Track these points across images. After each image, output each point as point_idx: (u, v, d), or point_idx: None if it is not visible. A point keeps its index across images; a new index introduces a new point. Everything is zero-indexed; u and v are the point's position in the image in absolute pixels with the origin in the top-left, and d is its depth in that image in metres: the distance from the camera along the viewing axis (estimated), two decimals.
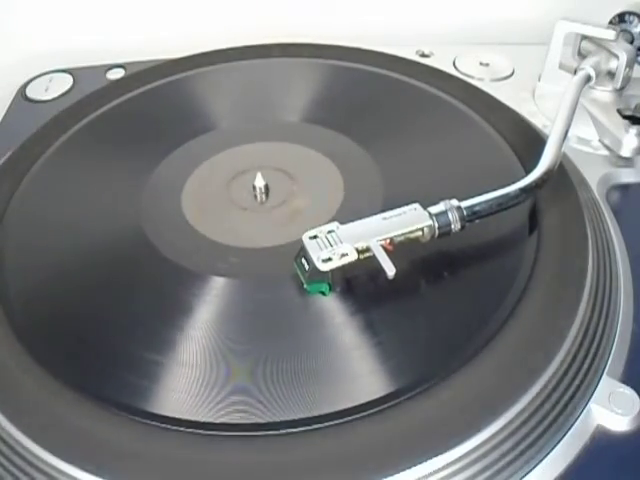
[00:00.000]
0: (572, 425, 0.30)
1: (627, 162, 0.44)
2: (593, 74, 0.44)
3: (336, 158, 0.43)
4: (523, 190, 0.35)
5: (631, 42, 0.48)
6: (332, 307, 0.33)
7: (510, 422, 0.28)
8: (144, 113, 0.48)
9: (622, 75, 0.45)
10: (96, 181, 0.43)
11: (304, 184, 0.41)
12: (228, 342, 0.32)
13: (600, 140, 0.46)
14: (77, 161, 0.44)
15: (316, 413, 0.29)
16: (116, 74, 0.56)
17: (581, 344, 0.32)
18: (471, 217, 0.34)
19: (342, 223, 0.33)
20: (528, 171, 0.37)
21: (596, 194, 0.41)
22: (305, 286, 0.33)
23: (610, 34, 0.45)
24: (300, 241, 0.33)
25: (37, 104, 0.54)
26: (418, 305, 0.34)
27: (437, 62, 0.52)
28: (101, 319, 0.34)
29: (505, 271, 0.35)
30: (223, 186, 0.42)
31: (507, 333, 0.31)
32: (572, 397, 0.30)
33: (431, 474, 0.27)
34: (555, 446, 0.29)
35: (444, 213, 0.33)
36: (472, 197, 0.34)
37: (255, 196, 0.41)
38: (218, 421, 0.29)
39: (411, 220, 0.33)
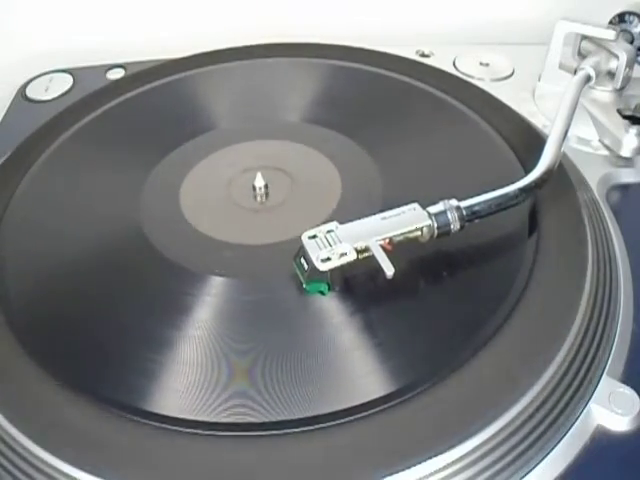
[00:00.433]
0: (572, 425, 0.30)
1: (627, 162, 0.44)
2: (593, 74, 0.44)
3: (336, 158, 0.43)
4: (522, 190, 0.35)
5: (631, 42, 0.48)
6: (331, 307, 0.33)
7: (510, 422, 0.28)
8: (144, 113, 0.48)
9: (622, 75, 0.45)
10: (95, 181, 0.43)
11: (304, 184, 0.41)
12: (227, 342, 0.32)
13: (600, 140, 0.45)
14: (77, 161, 0.44)
15: (316, 413, 0.29)
16: (116, 74, 0.56)
17: (581, 344, 0.32)
18: (470, 217, 0.34)
19: (341, 223, 0.33)
20: (528, 171, 0.37)
21: (596, 194, 0.41)
22: (304, 286, 0.33)
23: (610, 34, 0.45)
24: (299, 241, 0.33)
25: (37, 104, 0.54)
26: (417, 305, 0.34)
27: (437, 62, 0.52)
28: (101, 319, 0.34)
29: (505, 271, 0.35)
30: (223, 186, 0.42)
31: (507, 333, 0.31)
32: (572, 397, 0.30)
33: (431, 474, 0.27)
34: (555, 446, 0.29)
35: (443, 213, 0.33)
36: (472, 197, 0.34)
37: (255, 196, 0.41)
38: (218, 421, 0.29)
39: (410, 220, 0.33)
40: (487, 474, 0.28)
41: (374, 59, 0.51)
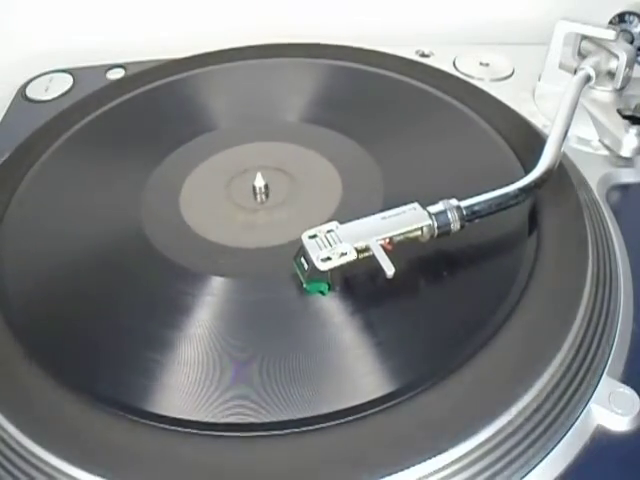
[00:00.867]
0: (572, 425, 0.30)
1: (627, 162, 0.44)
2: (593, 74, 0.44)
3: (336, 158, 0.43)
4: (522, 190, 0.35)
5: (631, 42, 0.48)
6: (331, 307, 0.33)
7: (510, 422, 0.28)
8: (144, 113, 0.48)
9: (622, 75, 0.45)
10: (95, 181, 0.43)
11: (304, 184, 0.41)
12: (227, 342, 0.32)
13: (600, 140, 0.45)
14: (77, 161, 0.44)
15: (316, 413, 0.29)
16: (116, 74, 0.56)
17: (581, 344, 0.32)
18: (470, 217, 0.34)
19: (341, 222, 0.33)
20: (528, 171, 0.37)
21: (596, 194, 0.41)
22: (304, 285, 0.33)
23: (610, 34, 0.45)
24: (299, 241, 0.33)
25: (37, 104, 0.54)
26: (417, 305, 0.34)
27: (437, 62, 0.52)
28: (101, 319, 0.34)
29: (505, 271, 0.35)
30: (223, 186, 0.42)
31: (507, 333, 0.31)
32: (572, 397, 0.30)
33: (431, 474, 0.27)
34: (555, 446, 0.29)
35: (443, 213, 0.33)
36: (472, 197, 0.34)
37: (255, 196, 0.41)
38: (217, 421, 0.29)
39: (410, 219, 0.33)
40: (487, 474, 0.28)
41: (373, 59, 0.51)
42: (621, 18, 0.50)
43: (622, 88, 0.46)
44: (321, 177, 0.42)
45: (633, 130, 0.43)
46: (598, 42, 0.46)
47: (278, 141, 0.45)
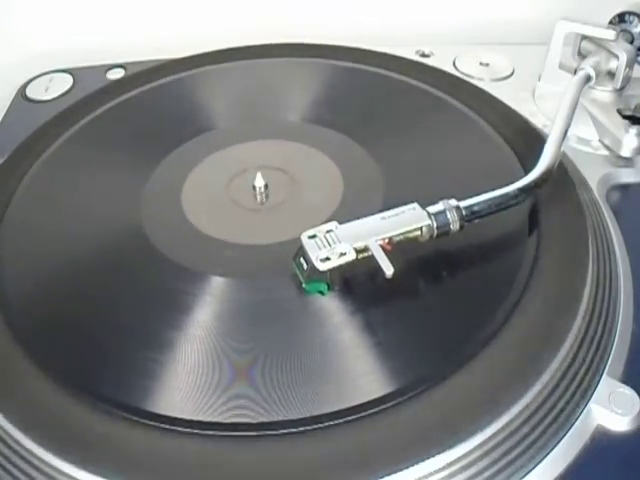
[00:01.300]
0: (572, 425, 0.30)
1: (627, 162, 0.44)
2: (593, 74, 0.44)
3: (336, 157, 0.43)
4: (522, 190, 0.35)
5: (631, 42, 0.48)
6: (331, 307, 0.33)
7: (510, 422, 0.28)
8: (144, 113, 0.48)
9: (622, 75, 0.45)
10: (96, 181, 0.43)
11: (304, 184, 0.41)
12: (227, 341, 0.32)
13: (600, 140, 0.45)
14: (77, 161, 0.44)
15: (315, 413, 0.29)
16: (116, 74, 0.56)
17: (581, 344, 0.32)
18: (470, 217, 0.34)
19: (341, 223, 0.33)
20: (528, 171, 0.37)
21: (596, 194, 0.41)
22: (304, 285, 0.33)
23: (610, 34, 0.45)
24: (299, 240, 0.33)
25: (37, 104, 0.54)
26: (417, 305, 0.34)
27: (437, 62, 0.52)
28: (101, 319, 0.34)
29: (505, 271, 0.35)
30: (223, 186, 0.42)
31: (507, 333, 0.31)
32: (572, 397, 0.30)
33: (431, 474, 0.27)
34: (555, 446, 0.29)
35: (443, 213, 0.33)
36: (471, 197, 0.34)
37: (255, 196, 0.41)
38: (217, 421, 0.29)
39: (409, 220, 0.33)
40: (487, 474, 0.28)
41: (374, 59, 0.51)
42: (621, 18, 0.50)
43: (622, 88, 0.46)
44: (321, 177, 0.42)
45: (633, 130, 0.43)
46: (598, 42, 0.46)
47: (278, 141, 0.45)
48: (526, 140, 0.42)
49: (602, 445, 0.30)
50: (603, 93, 0.47)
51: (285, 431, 0.28)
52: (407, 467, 0.27)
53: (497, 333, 0.31)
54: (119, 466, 0.28)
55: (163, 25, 0.62)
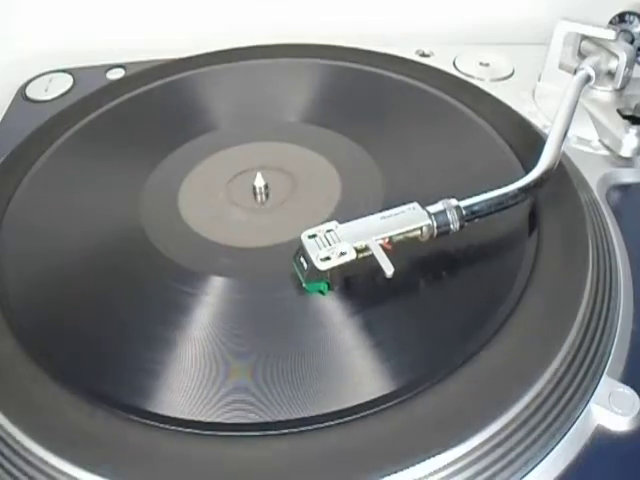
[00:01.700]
0: (572, 425, 0.30)
1: (627, 162, 0.44)
2: (593, 74, 0.44)
3: (336, 158, 0.43)
4: (522, 190, 0.35)
5: (631, 42, 0.48)
6: (331, 307, 0.33)
7: (510, 422, 0.28)
8: (144, 113, 0.48)
9: (622, 75, 0.45)
10: (95, 181, 0.43)
11: (304, 184, 0.41)
12: (227, 341, 0.32)
13: (600, 140, 0.45)
14: (76, 161, 0.44)
15: (316, 413, 0.29)
16: (116, 74, 0.56)
17: (581, 344, 0.32)
18: (470, 217, 0.34)
19: (341, 222, 0.33)
20: (528, 171, 0.37)
21: (596, 194, 0.41)
22: (304, 285, 0.33)
23: (610, 34, 0.45)
24: (299, 240, 0.33)
25: (37, 104, 0.54)
26: (417, 305, 0.34)
27: (437, 62, 0.52)
28: (101, 320, 0.34)
29: (505, 271, 0.35)
30: (223, 186, 0.42)
31: (507, 333, 0.31)
32: (572, 397, 0.30)
33: (431, 474, 0.27)
34: (555, 446, 0.29)
35: (442, 212, 0.33)
36: (471, 197, 0.34)
37: (255, 196, 0.41)
38: (217, 421, 0.29)
39: (409, 219, 0.33)
40: (487, 474, 0.28)
41: (374, 59, 0.51)
42: (621, 18, 0.50)
43: (622, 88, 0.46)
44: (321, 177, 0.42)
45: (633, 130, 0.43)
46: (598, 42, 0.46)
47: (278, 141, 0.45)
48: (526, 140, 0.42)
49: (602, 445, 0.30)
50: (603, 93, 0.47)
51: (285, 431, 0.28)
52: (407, 467, 0.27)
53: (497, 333, 0.31)
54: (119, 466, 0.28)
55: (163, 25, 0.62)
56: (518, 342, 0.31)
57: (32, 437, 0.29)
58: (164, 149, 0.45)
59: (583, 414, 0.30)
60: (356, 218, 0.34)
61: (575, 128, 0.43)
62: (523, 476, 0.28)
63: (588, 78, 0.44)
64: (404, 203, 0.34)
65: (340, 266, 0.32)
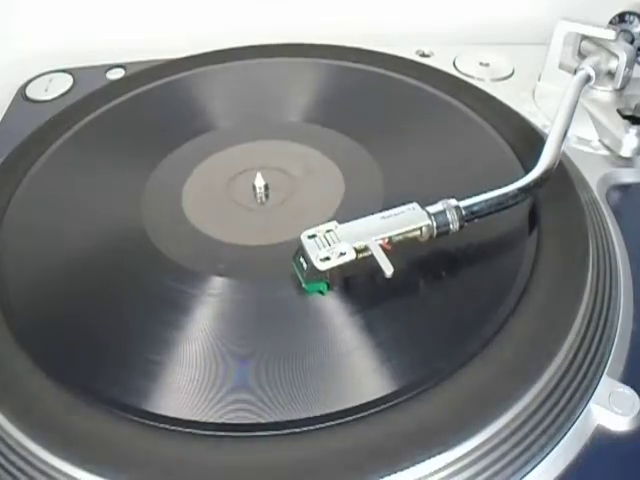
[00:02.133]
0: (572, 425, 0.30)
1: (627, 162, 0.44)
2: (593, 74, 0.44)
3: (335, 157, 0.43)
4: (522, 190, 0.35)
5: (631, 42, 0.48)
6: (331, 307, 0.33)
7: (510, 422, 0.28)
8: (144, 113, 0.48)
9: (622, 75, 0.45)
10: (96, 181, 0.43)
11: (304, 184, 0.41)
12: (227, 342, 0.32)
13: (600, 140, 0.45)
14: (77, 161, 0.44)
15: (316, 413, 0.29)
16: (116, 74, 0.56)
17: (581, 344, 0.32)
18: (469, 217, 0.34)
19: (341, 222, 0.33)
20: (528, 171, 0.37)
21: (596, 194, 0.41)
22: (303, 285, 0.33)
23: (610, 34, 0.45)
24: (299, 240, 0.33)
25: (37, 104, 0.54)
26: (417, 305, 0.34)
27: (437, 62, 0.52)
28: (101, 319, 0.34)
29: (505, 271, 0.35)
30: (223, 186, 0.42)
31: (507, 333, 0.31)
32: (572, 397, 0.30)
33: (431, 474, 0.27)
34: (555, 446, 0.29)
35: (442, 213, 0.33)
36: (471, 197, 0.34)
37: (255, 196, 0.41)
38: (217, 421, 0.29)
39: (409, 219, 0.33)
40: (487, 474, 0.28)
41: (373, 59, 0.51)
42: (621, 18, 0.50)
43: (622, 88, 0.46)
44: (321, 177, 0.42)
45: (633, 130, 0.43)
46: (598, 42, 0.46)
47: (278, 141, 0.45)
48: (526, 140, 0.42)
49: (602, 445, 0.30)
50: (603, 93, 0.47)
51: (286, 431, 0.28)
52: (407, 467, 0.27)
53: (497, 333, 0.31)
54: (119, 466, 0.28)
55: (163, 25, 0.62)
56: (518, 342, 0.31)
57: (31, 436, 0.29)
58: (164, 149, 0.45)
59: (583, 414, 0.30)
60: (356, 218, 0.34)
61: (575, 128, 0.43)
62: (523, 476, 0.28)
63: (588, 78, 0.44)
64: (404, 203, 0.34)
65: (340, 266, 0.32)
